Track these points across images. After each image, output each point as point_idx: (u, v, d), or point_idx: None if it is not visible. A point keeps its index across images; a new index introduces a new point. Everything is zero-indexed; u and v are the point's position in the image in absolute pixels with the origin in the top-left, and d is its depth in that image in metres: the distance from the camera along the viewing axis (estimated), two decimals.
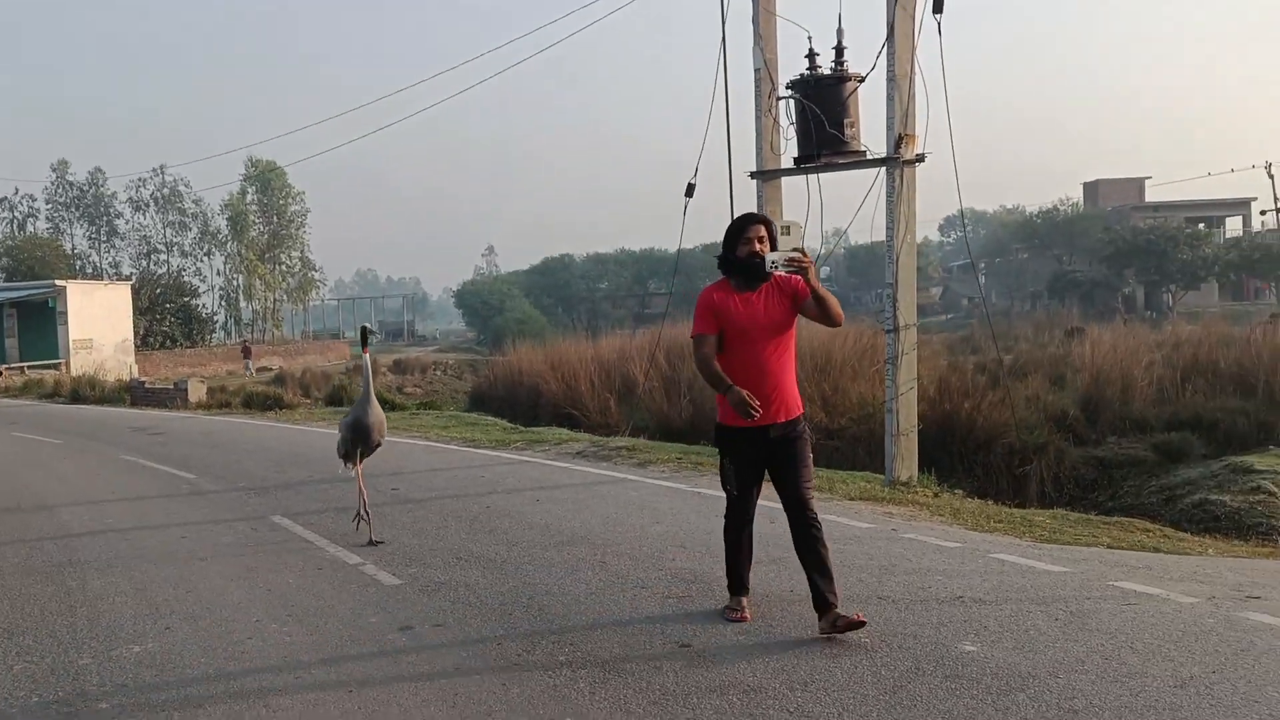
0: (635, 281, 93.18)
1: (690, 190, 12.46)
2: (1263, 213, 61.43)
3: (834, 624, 5.17)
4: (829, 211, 11.72)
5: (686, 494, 9.82)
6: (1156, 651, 4.83)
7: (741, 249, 5.35)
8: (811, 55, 10.96)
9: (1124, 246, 59.67)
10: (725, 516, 5.74)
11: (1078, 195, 78.34)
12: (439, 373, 53.55)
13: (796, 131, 10.95)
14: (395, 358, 57.04)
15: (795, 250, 5.17)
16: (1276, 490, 14.70)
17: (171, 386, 28.61)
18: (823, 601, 5.26)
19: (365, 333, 8.90)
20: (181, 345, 59.51)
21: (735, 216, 5.56)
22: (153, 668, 5.36)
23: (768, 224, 5.45)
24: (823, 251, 13.52)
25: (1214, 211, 68.96)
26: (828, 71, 10.83)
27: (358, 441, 8.24)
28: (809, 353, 21.71)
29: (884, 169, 10.49)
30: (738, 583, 5.74)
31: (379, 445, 8.36)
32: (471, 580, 6.81)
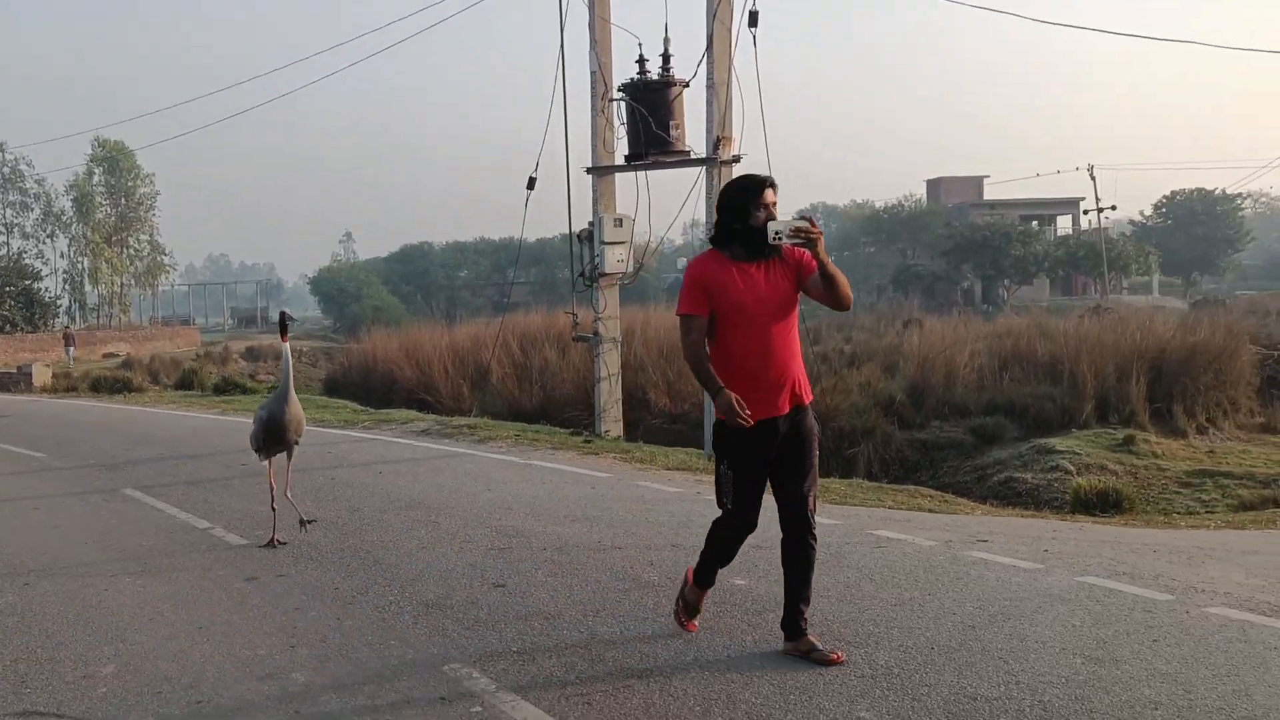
0: (495, 270, 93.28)
1: (531, 184, 13.25)
2: (1085, 212, 65.15)
3: (808, 654, 4.63)
4: (667, 205, 12.72)
5: (519, 465, 10.61)
6: (889, 581, 5.83)
7: (757, 216, 4.53)
8: (641, 61, 11.86)
9: (962, 242, 62.58)
10: (719, 523, 4.87)
11: (922, 192, 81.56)
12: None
13: (627, 131, 11.85)
14: (248, 345, 56.22)
15: (802, 219, 4.42)
16: (1072, 468, 16.24)
17: (15, 370, 28.05)
18: (794, 624, 4.71)
19: (284, 319, 7.72)
20: (23, 330, 57.44)
21: (737, 178, 4.80)
22: (14, 616, 5.89)
23: (775, 187, 4.63)
24: (650, 244, 14.42)
25: (1046, 210, 72.71)
26: (655, 76, 11.74)
27: (270, 439, 7.45)
28: (655, 339, 22.73)
29: (704, 168, 11.43)
30: (707, 576, 5.00)
31: (296, 444, 7.56)
32: (314, 539, 7.46)
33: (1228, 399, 21.60)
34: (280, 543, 7.31)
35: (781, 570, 4.80)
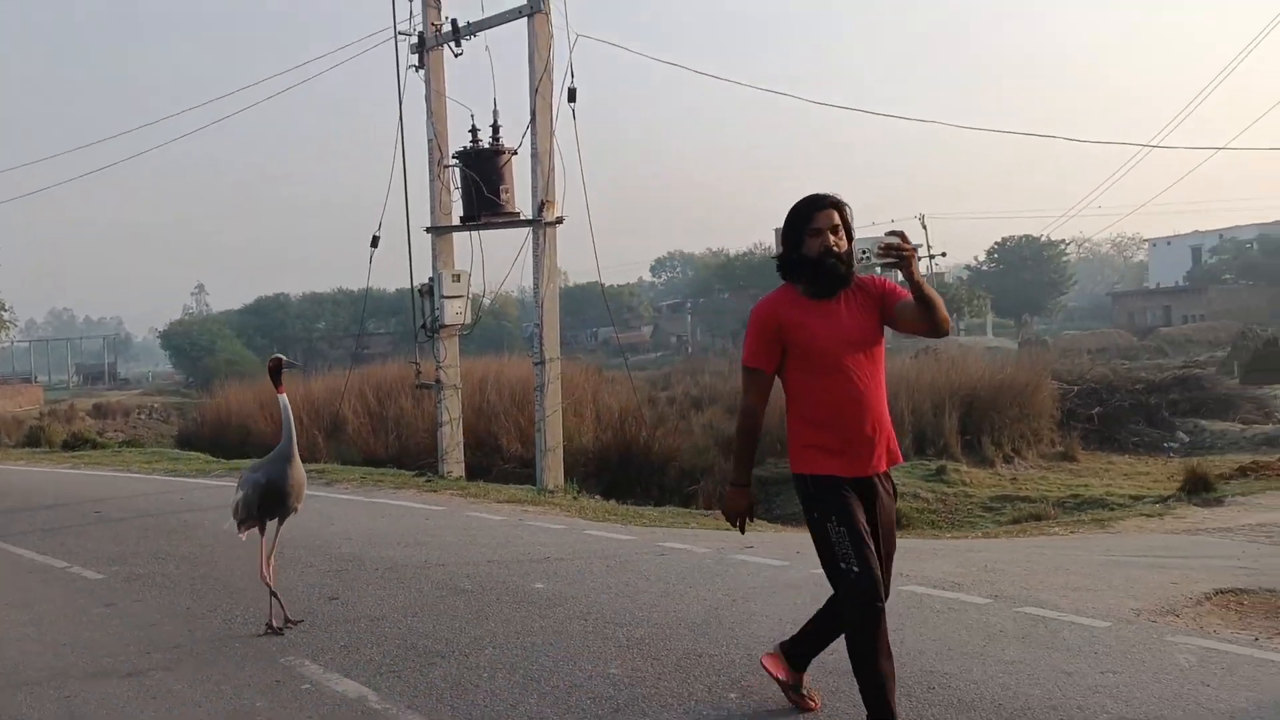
0: (353, 321, 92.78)
1: (375, 242, 14.24)
2: (919, 259, 68.55)
3: (790, 686, 4.38)
4: (503, 261, 13.85)
5: (362, 503, 11.53)
6: (663, 578, 7.02)
7: (811, 244, 4.01)
8: (474, 130, 13.05)
9: None
10: (847, 611, 3.96)
11: (771, 240, 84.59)
12: (144, 416, 52.07)
13: (462, 195, 12.98)
14: (95, 402, 55.08)
15: (892, 235, 3.83)
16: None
17: None
18: (804, 658, 4.40)
19: (279, 366, 6.48)
20: None
21: (799, 200, 4.10)
22: None
23: (840, 208, 4.04)
24: (486, 299, 15.52)
25: None
26: (486, 145, 12.93)
27: (267, 508, 6.36)
28: (509, 387, 23.67)
29: (531, 229, 12.63)
30: (882, 703, 3.91)
31: (295, 512, 6.47)
32: (168, 571, 8.27)
33: (1031, 431, 23.79)
34: (292, 623, 6.34)
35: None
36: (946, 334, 4.09)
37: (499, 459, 20.82)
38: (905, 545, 8.85)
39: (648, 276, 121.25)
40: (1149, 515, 11.25)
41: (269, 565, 6.39)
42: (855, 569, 3.84)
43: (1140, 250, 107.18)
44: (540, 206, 12.43)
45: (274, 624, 6.29)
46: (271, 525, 6.49)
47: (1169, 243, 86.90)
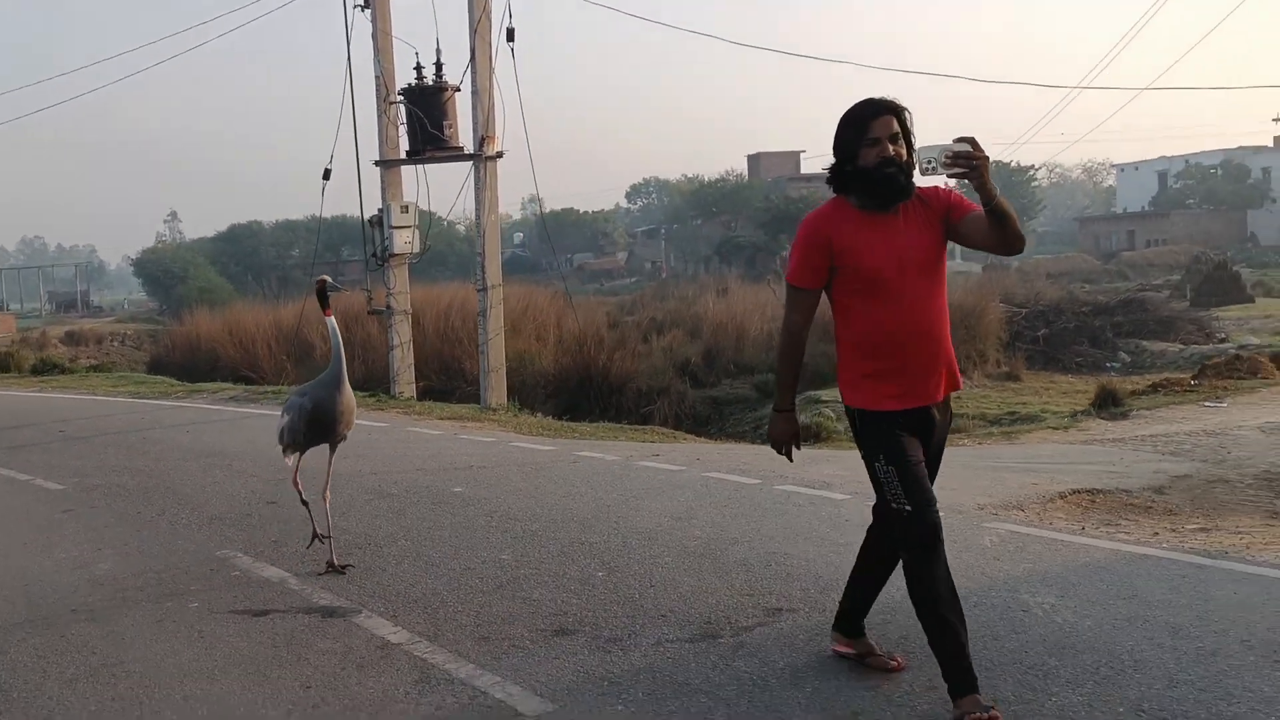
0: (327, 249, 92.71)
1: (327, 175, 14.78)
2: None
3: (863, 657, 4.09)
4: (454, 191, 14.44)
5: None
6: (570, 481, 7.77)
7: (867, 154, 3.63)
8: (419, 68, 13.57)
9: (779, 214, 65.90)
10: (902, 552, 3.74)
11: (744, 167, 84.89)
12: (116, 344, 52.39)
13: (407, 130, 13.52)
14: (68, 329, 55.37)
15: (961, 141, 3.46)
16: (833, 415, 18.59)
17: None
18: (857, 622, 4.15)
19: (324, 288, 6.22)
20: None
21: (852, 106, 3.71)
22: None
23: (899, 113, 3.66)
24: (462, 227, 16.10)
25: None
26: (430, 82, 13.44)
27: (314, 434, 6.12)
28: (472, 313, 24.26)
29: (473, 162, 13.21)
30: (947, 639, 3.63)
31: (343, 439, 6.26)
32: (123, 481, 8.97)
33: (977, 352, 24.55)
34: (338, 567, 5.97)
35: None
36: (1020, 251, 3.72)
37: (462, 381, 21.52)
38: (807, 454, 9.62)
39: (624, 203, 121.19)
40: (1055, 428, 11.99)
41: (324, 489, 6.17)
42: (907, 508, 3.60)
43: (1110, 176, 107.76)
44: (481, 141, 13.01)
45: (334, 562, 5.96)
46: (323, 451, 6.29)
47: (1136, 168, 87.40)
